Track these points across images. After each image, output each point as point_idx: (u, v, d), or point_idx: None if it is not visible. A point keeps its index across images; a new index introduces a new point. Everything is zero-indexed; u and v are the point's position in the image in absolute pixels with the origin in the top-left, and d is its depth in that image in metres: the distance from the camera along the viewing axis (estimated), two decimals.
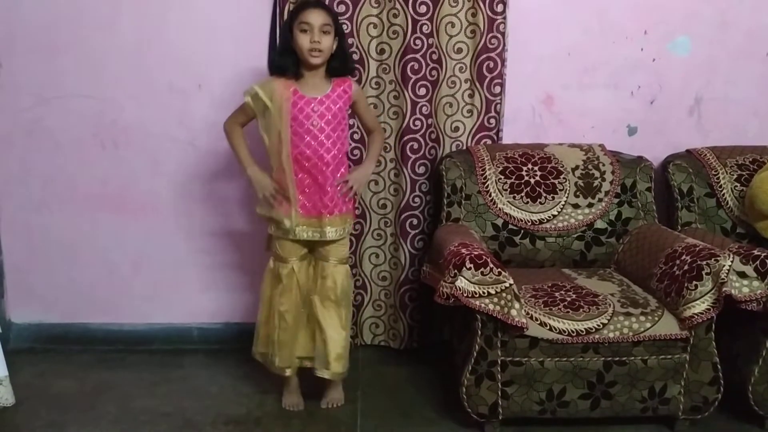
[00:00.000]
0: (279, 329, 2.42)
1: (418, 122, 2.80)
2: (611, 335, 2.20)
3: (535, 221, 2.67)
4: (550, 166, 2.72)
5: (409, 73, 2.74)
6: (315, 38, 2.24)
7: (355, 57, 2.74)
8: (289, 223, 2.33)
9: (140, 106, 2.83)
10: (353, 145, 2.80)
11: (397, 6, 2.71)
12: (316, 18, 2.25)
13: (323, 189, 2.33)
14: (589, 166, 2.73)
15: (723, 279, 2.17)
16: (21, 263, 2.96)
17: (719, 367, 2.27)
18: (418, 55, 2.74)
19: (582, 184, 2.71)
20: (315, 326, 2.44)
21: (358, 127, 2.78)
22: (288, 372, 2.46)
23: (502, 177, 2.69)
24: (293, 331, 2.43)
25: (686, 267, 2.24)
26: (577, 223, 2.68)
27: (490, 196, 2.68)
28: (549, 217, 2.67)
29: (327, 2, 2.67)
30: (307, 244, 2.41)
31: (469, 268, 2.17)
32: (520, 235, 2.67)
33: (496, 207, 2.67)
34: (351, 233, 2.84)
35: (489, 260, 2.18)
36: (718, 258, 2.19)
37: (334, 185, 2.35)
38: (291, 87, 2.30)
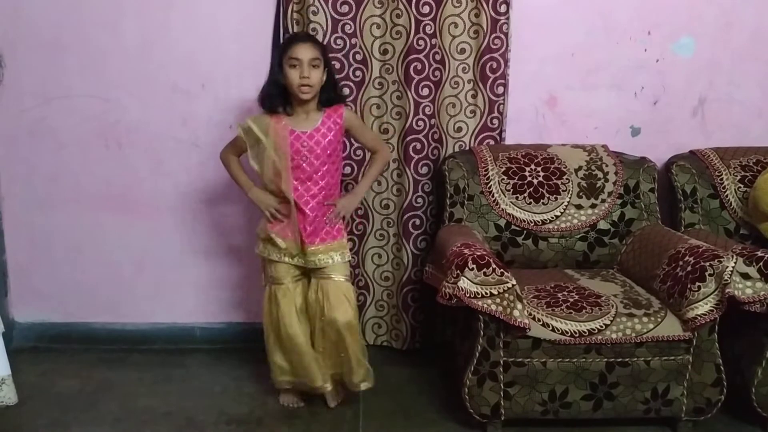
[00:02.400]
0: (295, 353, 2.40)
1: (421, 122, 2.80)
2: (614, 336, 2.20)
3: (538, 222, 2.66)
4: (553, 166, 2.72)
5: (412, 73, 2.74)
6: (304, 73, 2.25)
7: (358, 57, 2.75)
8: (284, 244, 2.35)
9: (144, 107, 2.84)
10: (356, 145, 2.80)
11: (401, 6, 2.71)
12: (304, 53, 2.26)
13: (306, 219, 2.34)
14: (592, 167, 2.73)
15: (726, 280, 2.16)
16: (24, 262, 2.97)
17: (722, 368, 2.26)
18: (421, 56, 2.74)
19: (585, 185, 2.70)
20: (331, 346, 2.41)
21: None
22: (328, 387, 2.45)
23: (505, 177, 2.69)
24: (311, 352, 2.41)
25: (689, 268, 2.23)
26: (580, 223, 2.67)
27: (492, 196, 2.68)
28: (552, 217, 2.67)
29: (331, 5, 2.69)
30: (301, 268, 2.41)
31: (472, 269, 2.17)
32: (523, 236, 2.66)
33: (499, 207, 2.67)
34: (354, 232, 2.86)
35: (491, 261, 2.18)
36: (722, 259, 2.18)
37: (318, 217, 2.36)
38: (282, 122, 2.32)
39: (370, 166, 2.58)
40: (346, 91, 2.73)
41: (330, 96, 2.38)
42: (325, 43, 2.64)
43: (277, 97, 2.33)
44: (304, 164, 2.32)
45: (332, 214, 2.39)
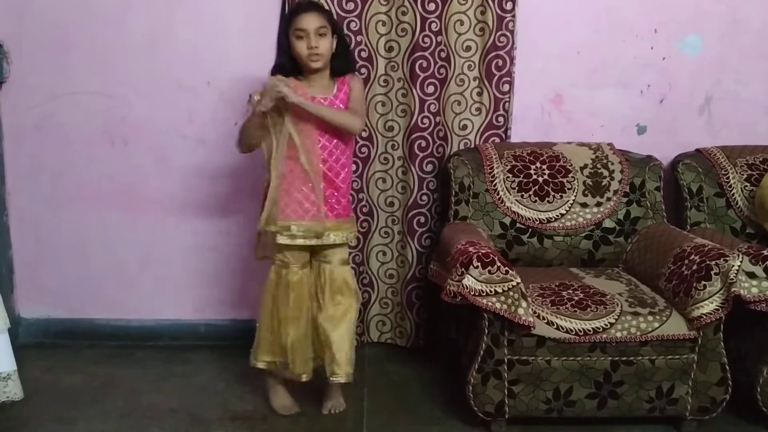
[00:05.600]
0: (291, 336, 2.36)
1: (426, 120, 2.79)
2: (619, 335, 2.20)
3: (543, 220, 2.66)
4: (558, 164, 2.71)
5: (417, 70, 2.74)
6: (312, 43, 2.22)
7: (364, 54, 2.75)
8: (321, 212, 2.28)
9: (149, 103, 2.84)
10: (360, 142, 2.80)
11: (406, 4, 2.70)
12: (310, 22, 2.22)
13: (321, 192, 2.29)
14: (598, 165, 2.72)
15: (732, 279, 2.15)
16: (30, 259, 2.98)
17: (727, 367, 2.25)
18: (426, 53, 2.74)
19: (590, 183, 2.70)
20: (320, 330, 2.39)
21: (366, 126, 2.79)
22: (305, 378, 2.40)
23: (510, 175, 2.69)
24: (303, 335, 2.39)
25: (695, 267, 2.23)
26: (585, 222, 2.67)
27: (497, 194, 2.67)
28: (557, 215, 2.67)
29: (336, 2, 2.69)
30: (309, 249, 2.38)
31: (477, 267, 2.16)
32: (528, 234, 2.66)
33: (504, 205, 2.67)
34: (358, 231, 2.85)
35: (496, 259, 2.18)
36: (728, 258, 2.18)
37: (327, 189, 2.31)
38: (298, 86, 2.27)
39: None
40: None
41: (340, 64, 2.33)
42: None
43: (289, 69, 2.28)
44: (313, 132, 2.26)
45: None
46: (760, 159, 2.73)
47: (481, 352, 2.23)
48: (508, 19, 2.73)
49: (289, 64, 2.28)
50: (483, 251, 2.20)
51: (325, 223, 2.31)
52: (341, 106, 2.32)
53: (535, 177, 2.69)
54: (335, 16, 2.67)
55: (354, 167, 2.82)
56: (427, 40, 2.73)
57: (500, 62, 2.77)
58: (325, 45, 2.25)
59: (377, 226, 2.91)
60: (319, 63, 2.26)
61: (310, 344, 2.42)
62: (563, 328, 2.20)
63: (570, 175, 2.70)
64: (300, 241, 2.32)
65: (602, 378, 2.24)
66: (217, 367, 2.80)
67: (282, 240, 2.31)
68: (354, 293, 2.43)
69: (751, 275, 2.20)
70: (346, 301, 2.41)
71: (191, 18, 2.79)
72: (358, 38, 2.74)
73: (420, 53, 2.73)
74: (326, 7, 2.57)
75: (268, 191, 2.31)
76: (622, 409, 2.28)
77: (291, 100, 2.18)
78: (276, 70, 2.30)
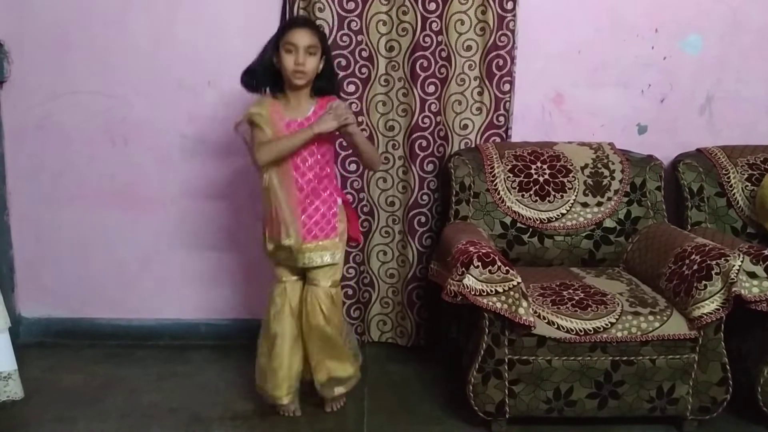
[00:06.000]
0: (275, 357, 2.34)
1: (426, 120, 2.79)
2: (619, 335, 2.20)
3: (544, 219, 2.66)
4: (559, 164, 2.71)
5: (418, 70, 2.74)
6: (299, 60, 2.17)
7: (365, 54, 2.75)
8: (291, 240, 2.23)
9: (150, 103, 2.84)
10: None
11: (407, 3, 2.70)
12: (301, 39, 2.18)
13: (296, 214, 2.24)
14: (599, 165, 2.72)
15: (733, 279, 2.15)
16: (31, 258, 2.98)
17: (728, 367, 2.25)
18: (427, 53, 2.73)
19: (591, 183, 2.70)
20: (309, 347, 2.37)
21: (367, 125, 2.79)
22: (286, 401, 2.37)
23: (511, 175, 2.69)
24: (287, 356, 2.34)
25: (696, 267, 2.23)
26: (585, 221, 2.67)
27: (498, 194, 2.67)
28: (558, 215, 2.66)
29: (337, 2, 2.69)
30: (299, 268, 2.34)
31: (477, 266, 2.16)
32: (529, 234, 2.66)
33: (505, 205, 2.67)
34: (360, 230, 2.85)
35: (497, 258, 2.18)
36: (728, 258, 2.18)
37: (306, 211, 2.26)
38: (275, 107, 2.24)
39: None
40: (352, 87, 2.71)
41: (323, 85, 2.28)
42: (330, 40, 2.63)
43: (263, 77, 2.24)
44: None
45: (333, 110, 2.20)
46: (761, 159, 2.72)
47: (482, 352, 2.23)
48: (508, 18, 2.73)
49: (266, 73, 2.24)
50: (483, 251, 2.20)
51: (294, 245, 2.25)
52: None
53: (535, 177, 2.69)
54: (336, 16, 2.68)
55: (354, 167, 2.82)
56: (427, 39, 2.73)
57: (501, 62, 2.76)
58: (312, 64, 2.20)
59: (378, 226, 2.91)
60: (301, 81, 2.21)
61: (294, 364, 2.37)
62: (564, 328, 2.20)
63: (571, 175, 2.70)
64: (283, 259, 2.31)
65: (603, 378, 2.24)
66: (218, 366, 2.80)
67: (276, 256, 2.32)
68: (335, 320, 2.35)
69: (752, 275, 2.19)
70: (322, 322, 2.33)
71: (192, 18, 2.79)
72: (359, 38, 2.74)
73: (421, 53, 2.73)
74: (327, 12, 2.56)
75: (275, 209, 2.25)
76: (622, 408, 2.28)
77: (352, 130, 2.22)
78: (248, 77, 2.25)
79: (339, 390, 2.42)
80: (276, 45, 2.23)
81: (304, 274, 2.37)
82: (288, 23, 2.30)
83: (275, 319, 2.36)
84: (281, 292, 2.36)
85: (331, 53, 2.38)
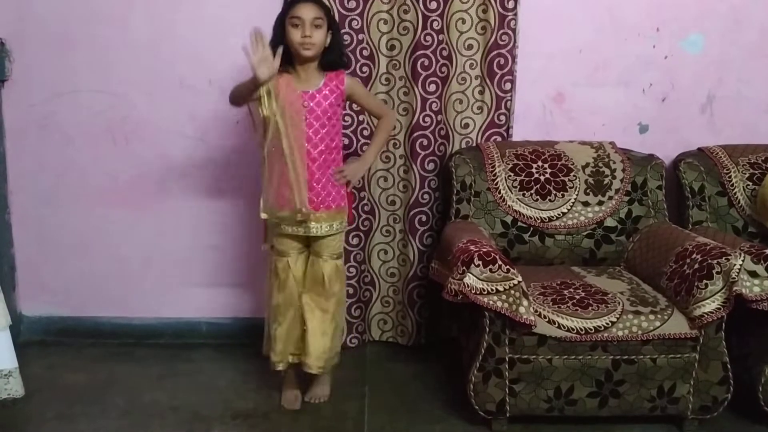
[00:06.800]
0: (275, 323, 2.42)
1: (427, 119, 2.79)
2: (620, 334, 2.19)
3: (545, 219, 2.66)
4: (560, 163, 2.71)
5: (419, 69, 2.74)
6: (306, 32, 2.23)
7: (365, 53, 2.75)
8: (297, 203, 2.27)
9: (151, 102, 2.84)
10: (362, 141, 2.80)
11: (408, 2, 2.70)
12: (307, 12, 2.24)
13: (308, 184, 2.30)
14: (600, 164, 2.72)
15: (734, 278, 2.15)
16: (32, 256, 2.98)
17: (729, 366, 2.25)
18: (428, 52, 2.73)
19: (592, 182, 2.69)
20: (302, 321, 2.42)
21: (367, 123, 2.79)
22: (280, 367, 2.44)
23: (512, 174, 2.69)
24: (288, 326, 2.42)
25: (697, 266, 2.22)
26: (586, 220, 2.67)
27: (499, 193, 2.67)
28: (558, 214, 2.66)
29: (338, 1, 2.69)
30: (303, 239, 2.39)
31: (478, 265, 2.16)
32: (530, 233, 2.66)
33: (506, 204, 2.67)
34: (360, 228, 2.86)
35: (497, 257, 2.18)
36: (729, 257, 2.17)
37: (320, 181, 2.33)
38: (285, 80, 2.28)
39: (376, 132, 2.52)
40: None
41: (332, 59, 2.33)
42: None
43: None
44: (302, 124, 2.28)
45: (339, 177, 2.36)
46: (762, 158, 2.72)
47: (483, 351, 2.23)
48: (510, 17, 2.73)
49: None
50: (484, 250, 2.20)
51: (305, 213, 2.30)
52: (323, 102, 2.30)
53: (536, 176, 2.69)
54: (337, 15, 2.68)
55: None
56: (428, 38, 2.73)
57: (502, 61, 2.76)
58: (319, 36, 2.26)
59: (379, 225, 2.91)
60: (310, 52, 2.26)
61: (297, 337, 2.44)
62: (564, 327, 2.20)
63: (572, 174, 2.70)
64: (289, 230, 2.36)
65: (603, 377, 2.24)
66: (219, 365, 2.81)
67: (276, 229, 2.38)
68: (332, 291, 2.42)
69: (753, 274, 2.19)
70: (323, 297, 2.41)
71: (193, 17, 2.79)
72: (360, 36, 2.74)
73: (422, 51, 2.73)
74: (327, 4, 2.57)
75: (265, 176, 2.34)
76: (623, 408, 2.28)
77: (350, 179, 2.38)
78: None
79: (325, 363, 2.44)
80: (282, 22, 2.28)
81: (306, 246, 2.41)
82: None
83: (279, 291, 2.41)
84: (285, 267, 2.40)
85: (338, 27, 2.43)
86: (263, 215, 2.37)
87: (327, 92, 2.32)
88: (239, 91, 2.28)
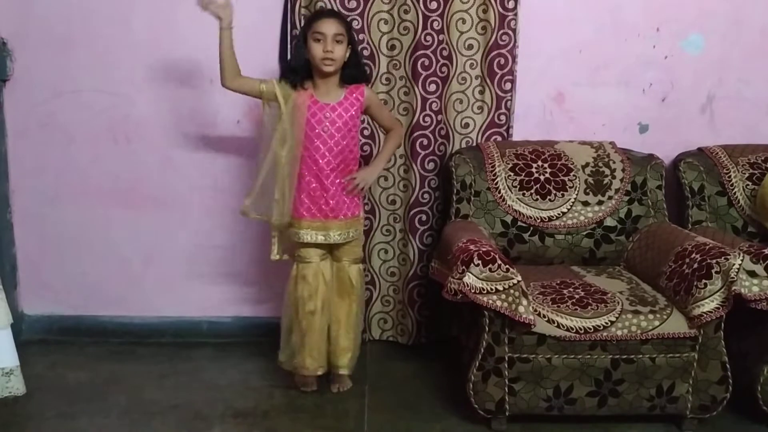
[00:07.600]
0: (309, 331, 2.48)
1: (428, 118, 2.80)
2: (619, 333, 2.20)
3: (545, 218, 2.66)
4: (560, 163, 2.71)
5: (419, 69, 2.75)
6: (328, 47, 2.31)
7: (366, 53, 2.75)
8: (278, 217, 2.39)
9: (152, 102, 2.85)
10: (362, 140, 2.80)
11: (408, 2, 2.71)
12: (329, 28, 2.32)
13: (328, 193, 2.42)
14: (600, 164, 2.72)
15: (733, 278, 2.16)
16: (33, 255, 2.99)
17: (728, 366, 2.25)
18: (428, 51, 2.74)
19: (592, 182, 2.70)
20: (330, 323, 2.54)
21: (368, 123, 2.79)
22: (321, 371, 2.55)
23: (512, 174, 2.69)
24: (322, 332, 2.51)
25: (696, 265, 2.23)
26: (586, 220, 2.67)
27: (499, 192, 2.68)
28: (558, 214, 2.67)
29: (339, 1, 2.70)
30: (325, 245, 2.48)
31: (477, 265, 2.17)
32: (529, 232, 2.66)
33: (506, 204, 2.67)
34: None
35: (497, 257, 2.18)
36: (728, 257, 2.18)
37: (339, 191, 2.43)
38: (308, 93, 2.38)
39: (386, 141, 2.62)
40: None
41: (352, 73, 2.44)
42: None
43: (300, 70, 2.38)
44: (324, 135, 2.38)
45: (351, 186, 2.45)
46: (762, 158, 2.72)
47: (482, 350, 2.24)
48: (510, 17, 2.73)
49: (300, 66, 2.38)
50: (484, 249, 2.20)
51: (326, 222, 2.44)
52: (344, 114, 2.40)
53: (536, 175, 2.69)
54: None
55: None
56: (429, 38, 2.73)
57: (502, 61, 2.77)
58: (340, 52, 2.35)
59: (379, 224, 2.92)
60: (331, 68, 2.35)
61: (325, 335, 2.53)
62: (564, 326, 2.20)
63: (571, 174, 2.70)
64: (308, 238, 2.44)
65: (603, 376, 2.24)
66: (220, 364, 2.81)
67: (295, 238, 2.46)
68: (357, 293, 2.55)
69: (752, 274, 2.19)
70: (348, 299, 2.54)
71: (193, 16, 2.77)
72: (361, 36, 2.74)
73: (422, 51, 2.73)
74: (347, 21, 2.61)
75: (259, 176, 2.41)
76: (622, 407, 2.28)
77: (363, 186, 2.47)
78: (289, 71, 2.42)
79: (344, 371, 2.58)
80: (304, 37, 2.36)
81: (327, 252, 2.50)
82: (315, 14, 2.44)
83: (311, 298, 2.47)
84: (316, 273, 2.47)
85: (357, 42, 2.51)
86: (275, 221, 2.42)
87: (348, 105, 2.41)
88: (221, 60, 2.37)
